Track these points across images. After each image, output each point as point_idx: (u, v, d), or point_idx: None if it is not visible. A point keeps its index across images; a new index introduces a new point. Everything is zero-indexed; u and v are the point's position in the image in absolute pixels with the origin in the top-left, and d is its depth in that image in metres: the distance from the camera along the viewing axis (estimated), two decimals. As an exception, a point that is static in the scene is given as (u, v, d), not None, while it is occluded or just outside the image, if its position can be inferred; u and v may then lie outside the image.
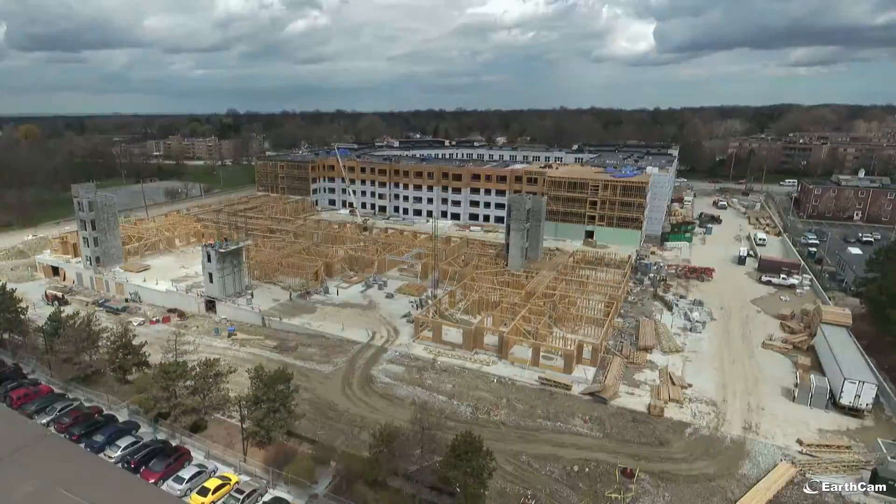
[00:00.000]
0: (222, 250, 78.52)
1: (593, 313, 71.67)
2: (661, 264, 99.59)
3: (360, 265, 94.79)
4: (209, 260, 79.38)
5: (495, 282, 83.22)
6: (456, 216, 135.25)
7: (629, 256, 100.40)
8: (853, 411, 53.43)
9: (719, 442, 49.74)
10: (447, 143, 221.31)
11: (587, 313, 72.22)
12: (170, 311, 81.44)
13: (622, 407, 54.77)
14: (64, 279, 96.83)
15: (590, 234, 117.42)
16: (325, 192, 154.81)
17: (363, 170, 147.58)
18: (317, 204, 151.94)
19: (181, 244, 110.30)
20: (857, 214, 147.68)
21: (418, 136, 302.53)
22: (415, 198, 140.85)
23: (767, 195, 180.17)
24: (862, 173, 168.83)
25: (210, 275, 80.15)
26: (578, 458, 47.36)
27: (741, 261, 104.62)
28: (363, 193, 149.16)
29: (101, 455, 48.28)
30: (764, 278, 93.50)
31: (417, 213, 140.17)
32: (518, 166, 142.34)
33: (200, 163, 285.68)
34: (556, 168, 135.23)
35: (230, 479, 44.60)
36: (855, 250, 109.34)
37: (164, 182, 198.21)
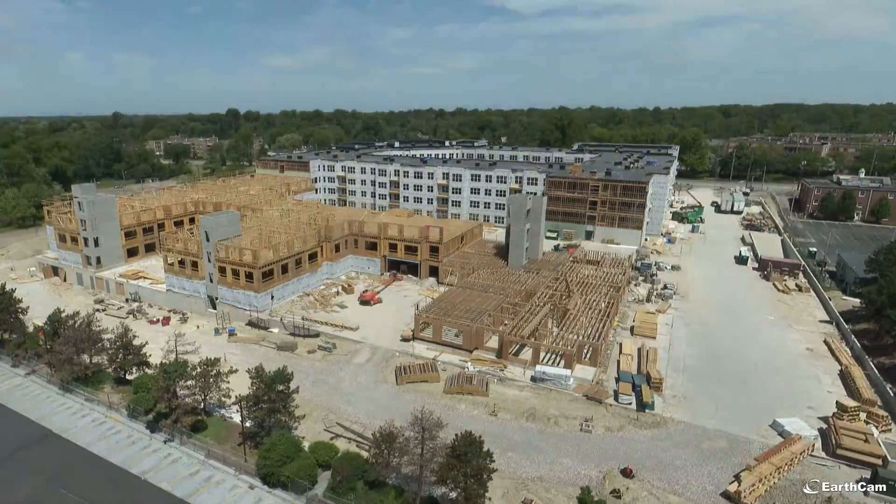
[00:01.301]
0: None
1: (593, 313, 71.55)
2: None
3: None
4: (209, 260, 79.39)
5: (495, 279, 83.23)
6: (456, 216, 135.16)
7: (629, 256, 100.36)
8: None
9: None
10: (448, 143, 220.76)
11: (587, 312, 71.97)
12: (170, 311, 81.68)
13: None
14: (65, 279, 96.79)
15: (590, 235, 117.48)
16: (326, 191, 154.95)
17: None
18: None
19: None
20: (857, 214, 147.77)
21: (419, 134, 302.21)
22: (415, 198, 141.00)
23: (769, 195, 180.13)
24: (862, 173, 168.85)
25: (210, 275, 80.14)
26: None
27: (742, 261, 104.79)
28: (362, 194, 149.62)
29: None
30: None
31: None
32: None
33: (201, 162, 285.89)
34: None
35: None
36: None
37: (163, 182, 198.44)
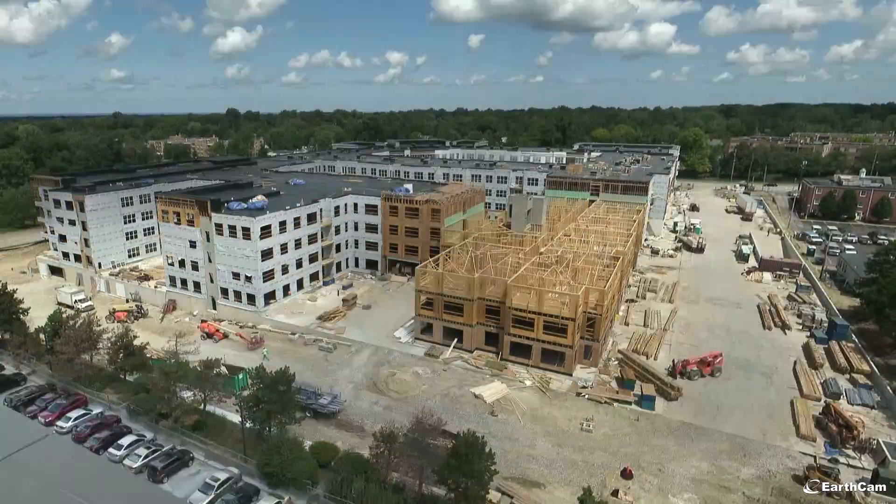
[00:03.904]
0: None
1: (597, 269, 68.05)
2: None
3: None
4: (210, 260, 79.40)
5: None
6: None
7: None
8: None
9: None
10: (448, 143, 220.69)
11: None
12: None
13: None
14: (66, 281, 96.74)
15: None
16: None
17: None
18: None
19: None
20: (858, 214, 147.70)
21: (420, 135, 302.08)
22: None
23: (769, 195, 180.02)
24: (863, 173, 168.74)
25: (210, 275, 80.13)
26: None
27: (743, 258, 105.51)
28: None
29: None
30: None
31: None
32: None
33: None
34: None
35: None
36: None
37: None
